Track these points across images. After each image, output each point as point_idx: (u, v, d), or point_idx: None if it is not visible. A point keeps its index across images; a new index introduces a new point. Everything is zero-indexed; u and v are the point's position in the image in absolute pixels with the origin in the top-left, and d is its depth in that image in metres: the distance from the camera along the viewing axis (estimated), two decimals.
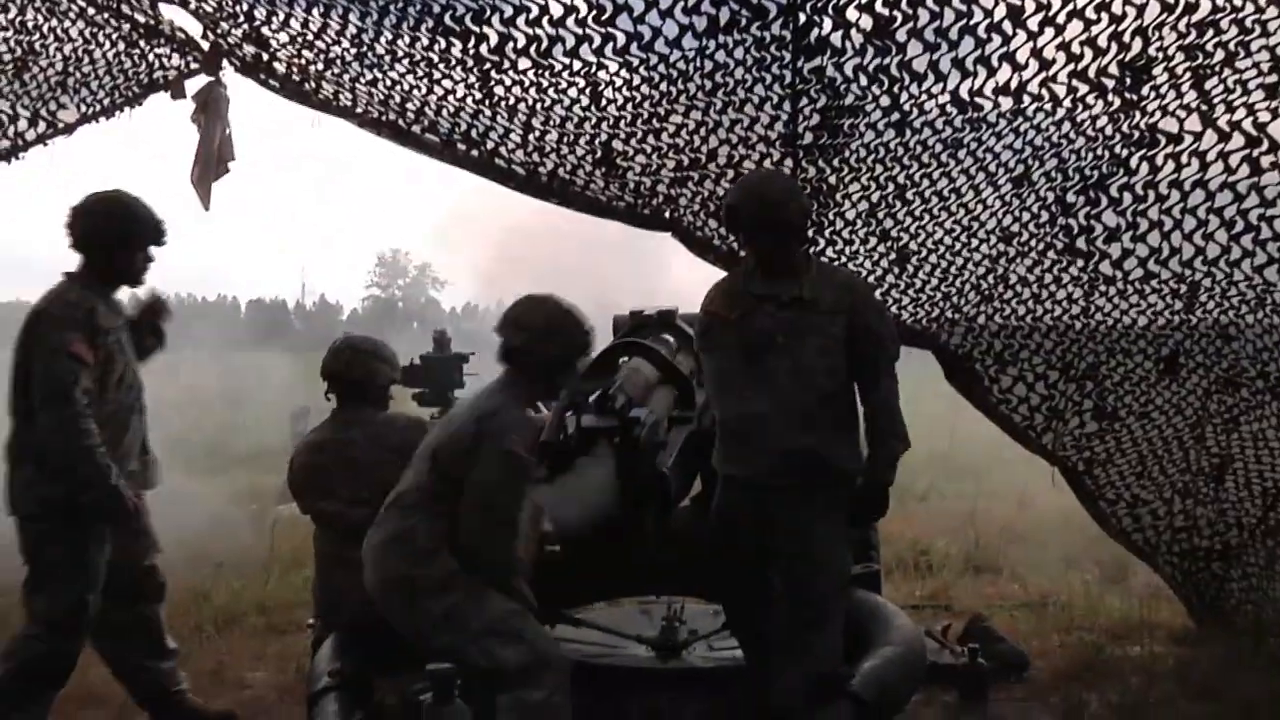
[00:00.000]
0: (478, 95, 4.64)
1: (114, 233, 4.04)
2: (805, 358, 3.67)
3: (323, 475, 4.30)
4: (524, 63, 4.38)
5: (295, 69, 4.92)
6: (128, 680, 4.32)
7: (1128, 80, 3.85)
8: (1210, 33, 3.69)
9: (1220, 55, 3.70)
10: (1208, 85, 3.76)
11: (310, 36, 4.69)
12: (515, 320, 3.65)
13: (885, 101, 4.30)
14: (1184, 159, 3.96)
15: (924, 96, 4.24)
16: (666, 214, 4.89)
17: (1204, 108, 3.81)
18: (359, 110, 4.94)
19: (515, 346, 3.63)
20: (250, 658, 5.29)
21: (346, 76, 4.83)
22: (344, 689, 3.53)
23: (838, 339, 3.66)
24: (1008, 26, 3.86)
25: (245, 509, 8.82)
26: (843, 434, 3.73)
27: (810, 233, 4.63)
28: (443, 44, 4.40)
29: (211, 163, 5.21)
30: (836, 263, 4.77)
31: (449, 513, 3.42)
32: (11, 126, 5.05)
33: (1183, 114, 3.86)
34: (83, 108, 5.01)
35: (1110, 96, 3.93)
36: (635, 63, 4.32)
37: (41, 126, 5.07)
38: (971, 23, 3.89)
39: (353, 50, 4.64)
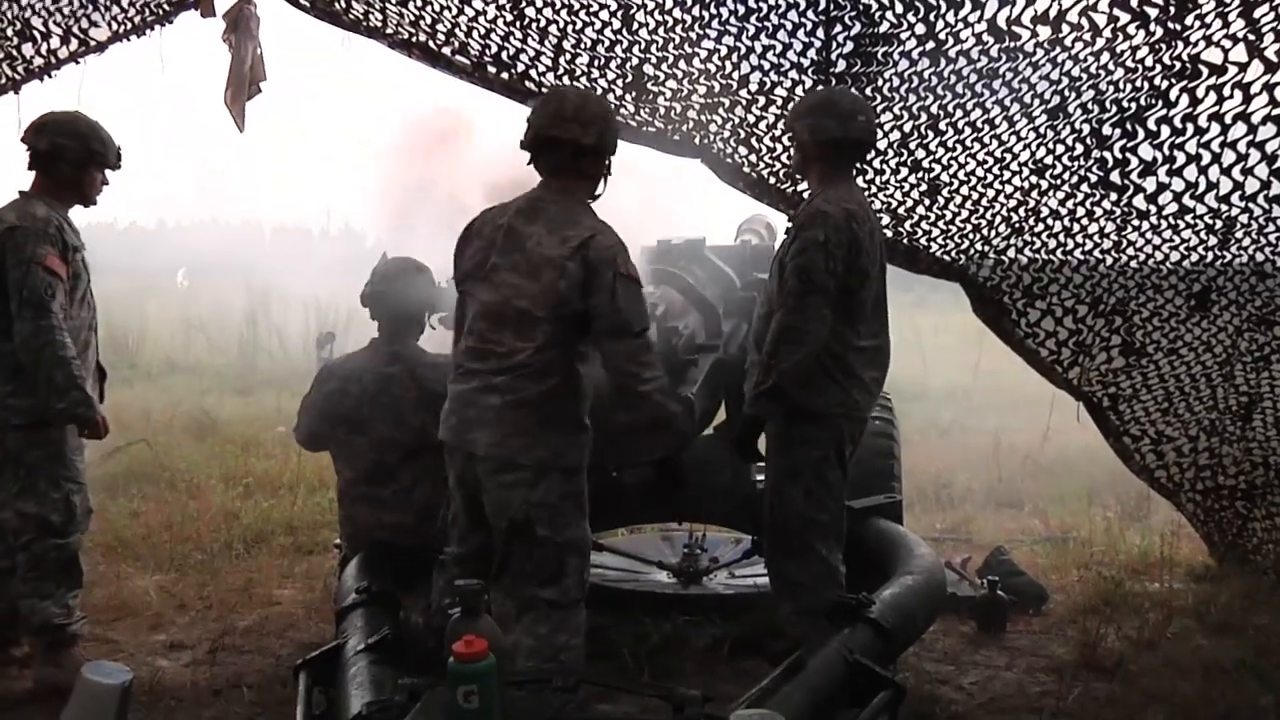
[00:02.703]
0: (508, 16, 4.60)
1: (80, 152, 4.05)
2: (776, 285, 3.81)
3: (358, 406, 4.17)
4: None
5: None
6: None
7: (1171, 9, 3.76)
8: None
9: None
10: (1257, 13, 3.66)
11: None
12: (577, 117, 3.31)
13: (920, 29, 4.24)
14: (1226, 91, 3.86)
15: (960, 25, 4.17)
16: (696, 140, 4.84)
17: (1251, 37, 3.71)
18: (389, 31, 4.88)
19: (588, 145, 3.33)
20: (278, 575, 5.39)
21: None
22: (371, 605, 3.58)
23: (783, 264, 3.75)
24: None
25: (272, 431, 8.92)
26: None
27: None
28: None
29: (244, 83, 5.18)
30: (867, 193, 4.74)
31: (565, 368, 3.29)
32: (44, 43, 5.02)
33: (1228, 44, 3.75)
34: (114, 25, 4.97)
35: (1152, 26, 3.85)
36: None
37: (74, 44, 5.03)
38: None
39: None
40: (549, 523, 3.27)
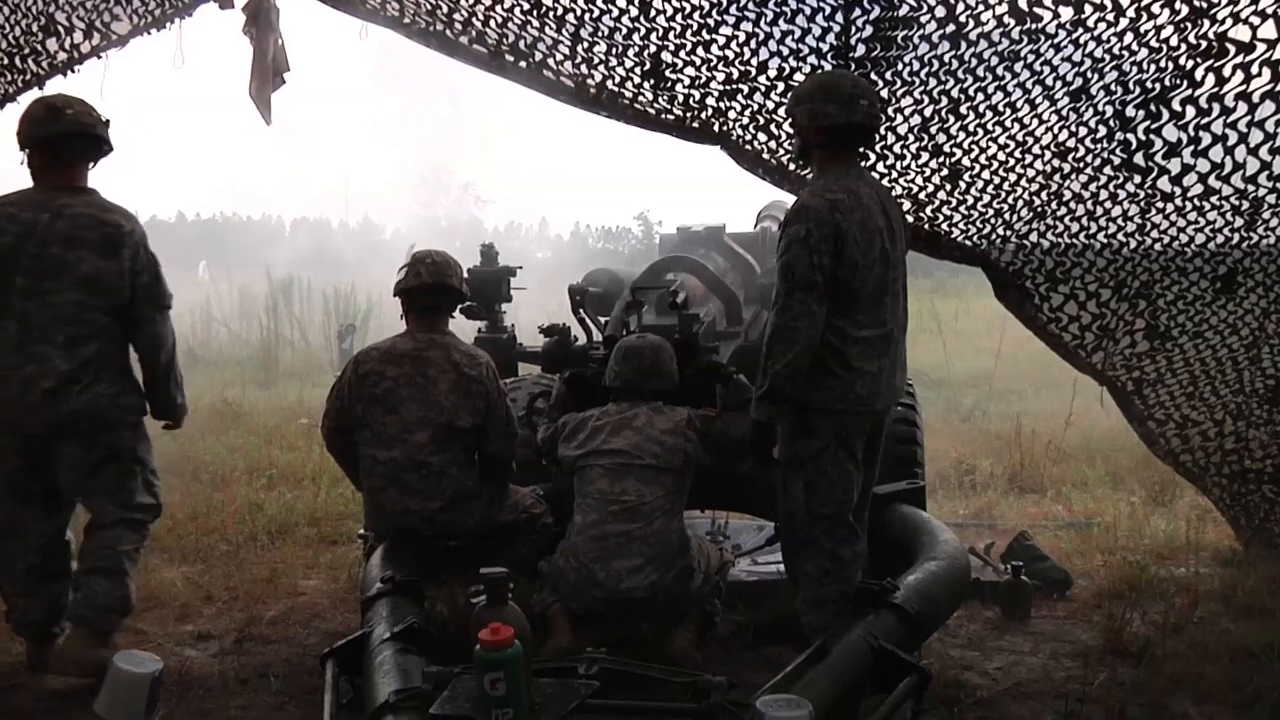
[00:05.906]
0: (526, 5, 4.59)
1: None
2: None
3: (395, 388, 4.23)
4: None
5: None
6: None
7: None
8: None
9: None
10: None
11: None
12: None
13: (941, 12, 4.20)
14: (1254, 69, 3.81)
15: (980, 7, 4.14)
16: (715, 127, 4.82)
17: None
18: (406, 20, 4.88)
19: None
20: (303, 566, 5.43)
21: None
22: (397, 594, 3.60)
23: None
24: None
25: (294, 422, 8.97)
26: None
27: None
28: None
29: (268, 75, 5.18)
30: (887, 178, 4.71)
31: None
32: (68, 38, 5.05)
33: (1257, 20, 3.71)
34: (134, 19, 4.98)
35: (1178, 4, 3.81)
36: None
37: (96, 38, 5.05)
38: None
39: None
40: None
